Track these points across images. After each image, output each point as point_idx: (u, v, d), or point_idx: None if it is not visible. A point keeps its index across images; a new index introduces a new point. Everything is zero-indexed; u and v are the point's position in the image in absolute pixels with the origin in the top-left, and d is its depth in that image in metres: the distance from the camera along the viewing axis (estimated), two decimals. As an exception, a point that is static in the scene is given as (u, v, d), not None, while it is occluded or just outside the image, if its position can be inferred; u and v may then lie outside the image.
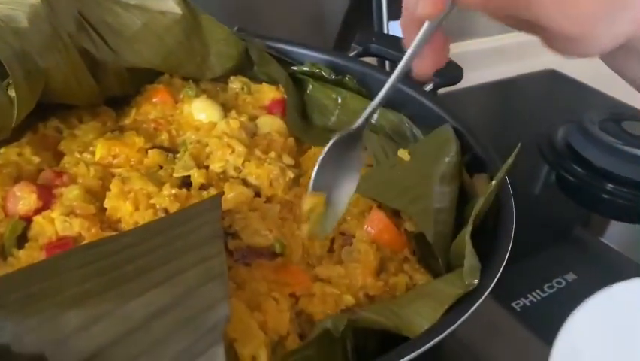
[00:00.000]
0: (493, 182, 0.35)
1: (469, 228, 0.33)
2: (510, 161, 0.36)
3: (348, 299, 0.33)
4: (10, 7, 0.35)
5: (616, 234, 0.66)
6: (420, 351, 0.27)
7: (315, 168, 0.32)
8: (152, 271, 0.29)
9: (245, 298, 0.32)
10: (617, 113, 0.71)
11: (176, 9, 0.45)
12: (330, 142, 0.31)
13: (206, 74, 0.49)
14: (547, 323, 0.51)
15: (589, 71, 0.93)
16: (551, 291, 0.55)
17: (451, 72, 0.53)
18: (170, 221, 0.33)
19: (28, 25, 0.35)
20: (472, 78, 0.56)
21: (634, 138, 0.65)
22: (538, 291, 0.55)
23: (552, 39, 0.27)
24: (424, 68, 0.27)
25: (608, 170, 0.66)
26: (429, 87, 0.51)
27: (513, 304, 0.53)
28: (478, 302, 0.30)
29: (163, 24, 0.45)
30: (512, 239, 0.34)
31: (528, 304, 0.53)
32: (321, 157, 0.31)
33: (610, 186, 0.66)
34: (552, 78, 0.97)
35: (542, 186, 0.71)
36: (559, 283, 0.56)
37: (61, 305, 0.28)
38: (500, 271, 0.32)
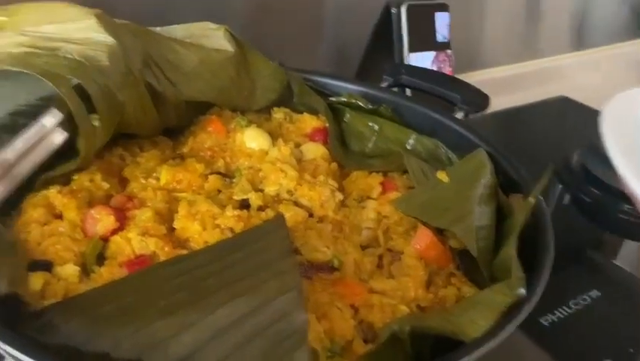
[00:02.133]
0: (531, 200, 0.38)
1: (513, 243, 0.36)
2: (544, 181, 0.39)
3: (404, 309, 0.36)
4: (91, 48, 0.39)
5: (629, 254, 0.69)
6: (479, 353, 0.30)
7: None
8: (233, 284, 0.32)
9: (310, 308, 0.35)
10: (630, 137, 0.74)
11: (229, 47, 0.49)
12: None
13: (253, 106, 0.53)
14: (575, 338, 0.54)
15: (600, 98, 0.97)
16: (577, 308, 0.58)
17: (478, 100, 0.57)
18: (241, 240, 0.36)
19: (109, 64, 0.39)
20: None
21: (648, 159, 0.68)
22: (564, 308, 0.58)
23: None
24: None
25: (624, 191, 0.69)
26: (460, 115, 0.55)
27: (541, 320, 0.56)
28: (529, 309, 0.33)
29: (217, 61, 0.49)
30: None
31: (556, 320, 0.56)
32: None
33: (627, 207, 0.68)
34: (564, 105, 1.01)
35: (557, 207, 0.73)
36: (584, 300, 0.59)
37: (153, 315, 0.31)
38: (545, 281, 0.35)
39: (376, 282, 0.38)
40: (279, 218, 0.37)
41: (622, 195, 0.68)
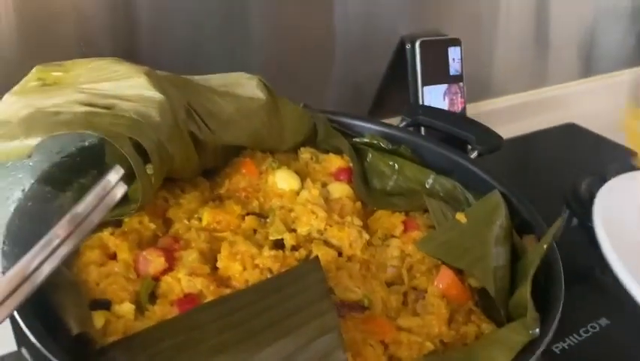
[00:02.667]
0: (545, 246, 0.42)
1: (528, 287, 0.40)
2: (556, 227, 0.43)
3: (429, 346, 0.39)
4: (142, 104, 0.44)
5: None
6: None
7: None
8: (277, 324, 0.36)
9: (345, 346, 0.38)
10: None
11: (261, 95, 0.54)
12: None
13: (282, 147, 0.57)
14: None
15: (608, 124, 1.00)
16: (587, 335, 0.61)
17: (492, 140, 0.61)
18: (279, 281, 0.40)
19: (160, 119, 0.43)
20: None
21: (656, 189, 0.71)
22: (575, 335, 0.61)
23: None
24: None
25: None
26: (474, 155, 0.59)
27: (553, 348, 0.59)
28: (543, 347, 0.36)
29: (250, 108, 0.53)
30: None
31: (566, 347, 0.59)
32: None
33: (635, 236, 0.71)
34: (572, 132, 1.04)
35: (564, 229, 0.76)
36: (593, 327, 0.62)
37: (206, 353, 0.35)
38: (557, 320, 0.38)
39: (403, 320, 0.41)
40: (315, 261, 0.41)
41: (629, 225, 0.72)
